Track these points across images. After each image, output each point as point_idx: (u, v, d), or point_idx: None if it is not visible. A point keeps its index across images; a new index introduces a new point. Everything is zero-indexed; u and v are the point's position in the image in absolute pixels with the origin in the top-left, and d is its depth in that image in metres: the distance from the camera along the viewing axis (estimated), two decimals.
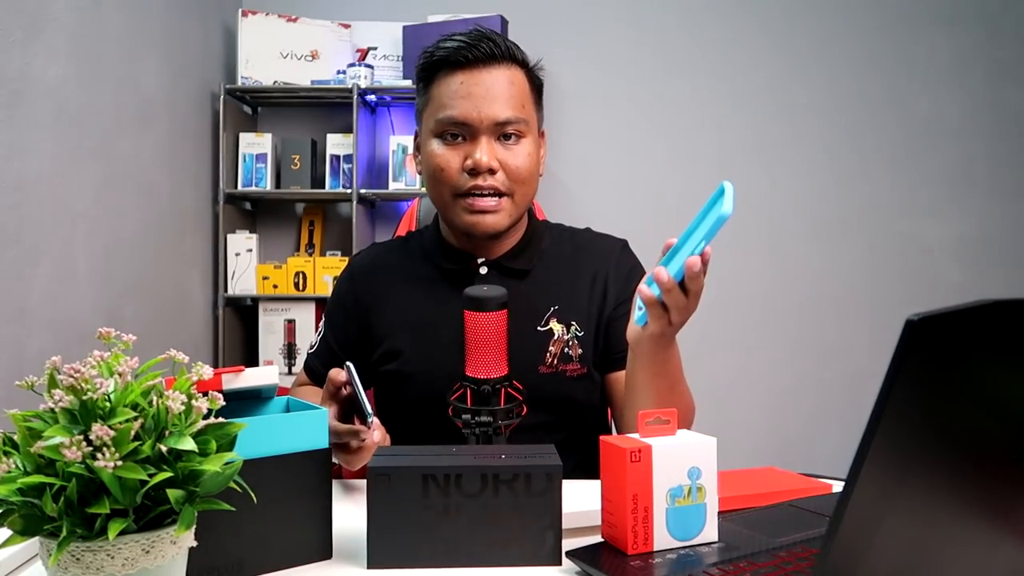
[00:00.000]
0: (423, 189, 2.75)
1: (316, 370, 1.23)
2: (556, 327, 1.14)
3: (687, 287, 0.87)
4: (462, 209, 1.10)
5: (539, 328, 1.13)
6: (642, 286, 0.89)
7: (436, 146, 1.10)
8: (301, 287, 2.78)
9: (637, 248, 1.26)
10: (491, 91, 1.07)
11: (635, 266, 1.22)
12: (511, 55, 1.10)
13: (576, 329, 1.14)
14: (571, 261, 1.19)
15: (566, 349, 1.13)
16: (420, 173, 1.19)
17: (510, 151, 1.09)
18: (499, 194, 1.09)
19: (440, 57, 1.10)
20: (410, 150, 2.77)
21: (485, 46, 1.08)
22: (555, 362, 1.12)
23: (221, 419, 0.59)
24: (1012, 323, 0.49)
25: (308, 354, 1.27)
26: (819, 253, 2.93)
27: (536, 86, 1.15)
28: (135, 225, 2.29)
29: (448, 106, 1.08)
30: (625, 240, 1.25)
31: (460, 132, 1.09)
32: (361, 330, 1.21)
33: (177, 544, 0.57)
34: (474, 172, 1.07)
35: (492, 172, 1.07)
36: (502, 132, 1.08)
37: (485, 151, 1.07)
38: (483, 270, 1.16)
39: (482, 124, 1.07)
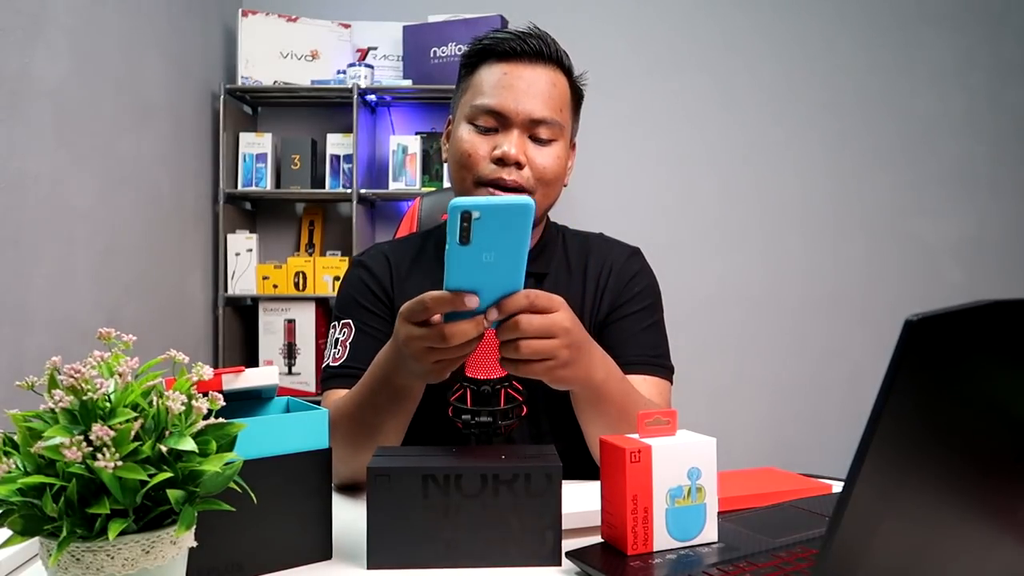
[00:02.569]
0: (424, 189, 2.76)
1: (360, 375, 1.01)
2: None
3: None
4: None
5: None
6: None
7: (466, 132, 1.08)
8: (301, 287, 2.78)
9: (642, 248, 1.23)
10: (532, 88, 1.06)
11: (639, 272, 1.18)
12: (558, 59, 1.10)
13: None
14: (580, 267, 1.17)
15: None
16: (446, 160, 1.18)
17: (539, 151, 1.07)
18: (521, 190, 1.07)
19: (487, 46, 1.09)
20: (410, 150, 2.77)
21: (534, 43, 1.07)
22: None
23: (221, 419, 0.59)
24: (1012, 323, 0.49)
25: (335, 367, 1.10)
26: (819, 253, 2.93)
27: (576, 96, 1.14)
28: (135, 225, 2.29)
29: (487, 94, 1.07)
30: (637, 248, 1.22)
31: (494, 123, 1.07)
32: (393, 314, 1.12)
33: (177, 544, 0.57)
34: (501, 163, 1.05)
35: (519, 167, 1.06)
36: (535, 131, 1.07)
37: (515, 144, 1.05)
38: None
39: (517, 118, 1.06)
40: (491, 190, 1.06)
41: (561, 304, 0.84)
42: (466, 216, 0.74)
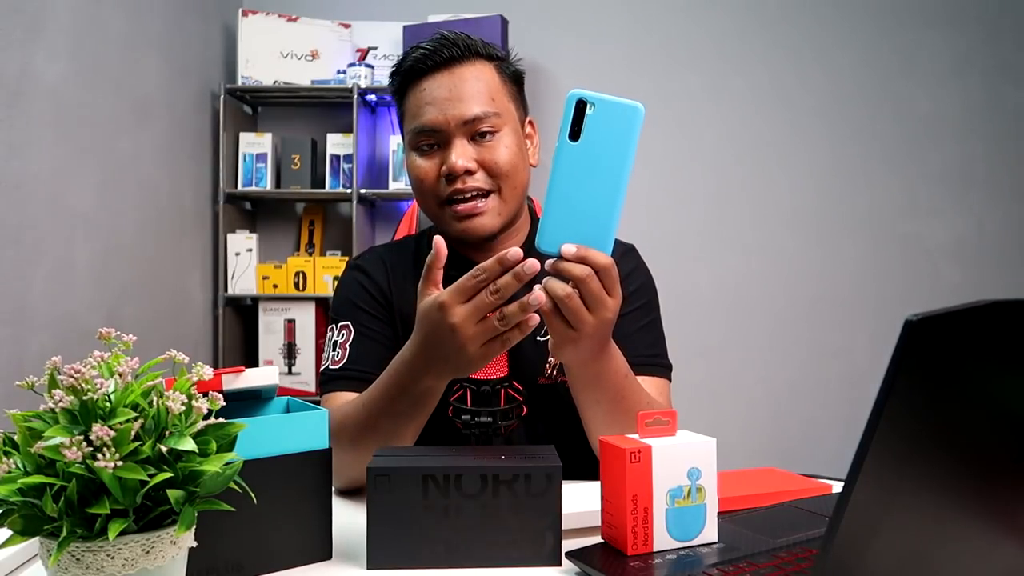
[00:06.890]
0: None
1: (361, 378, 1.06)
2: None
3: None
4: (450, 217, 1.08)
5: (538, 338, 1.11)
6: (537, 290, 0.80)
7: (414, 158, 1.09)
8: (301, 287, 2.78)
9: (639, 249, 1.24)
10: (454, 92, 1.06)
11: (634, 270, 1.17)
12: (474, 52, 1.09)
13: None
14: None
15: None
16: None
17: (486, 148, 1.06)
18: (484, 193, 1.06)
19: (405, 69, 1.09)
20: None
21: (445, 51, 1.07)
22: (554, 373, 1.10)
23: (221, 419, 0.59)
24: (1012, 323, 0.49)
25: (335, 370, 1.10)
26: (819, 253, 2.93)
27: (510, 76, 1.13)
28: (135, 225, 2.29)
29: (417, 115, 1.07)
30: (632, 245, 1.21)
31: (433, 140, 1.07)
32: (391, 316, 1.14)
33: (177, 544, 0.57)
34: (451, 177, 1.05)
35: (470, 173, 1.05)
36: (475, 131, 1.06)
37: (459, 154, 1.05)
38: None
39: (450, 126, 1.05)
40: (455, 208, 1.06)
41: (618, 302, 0.83)
42: (581, 105, 0.75)
